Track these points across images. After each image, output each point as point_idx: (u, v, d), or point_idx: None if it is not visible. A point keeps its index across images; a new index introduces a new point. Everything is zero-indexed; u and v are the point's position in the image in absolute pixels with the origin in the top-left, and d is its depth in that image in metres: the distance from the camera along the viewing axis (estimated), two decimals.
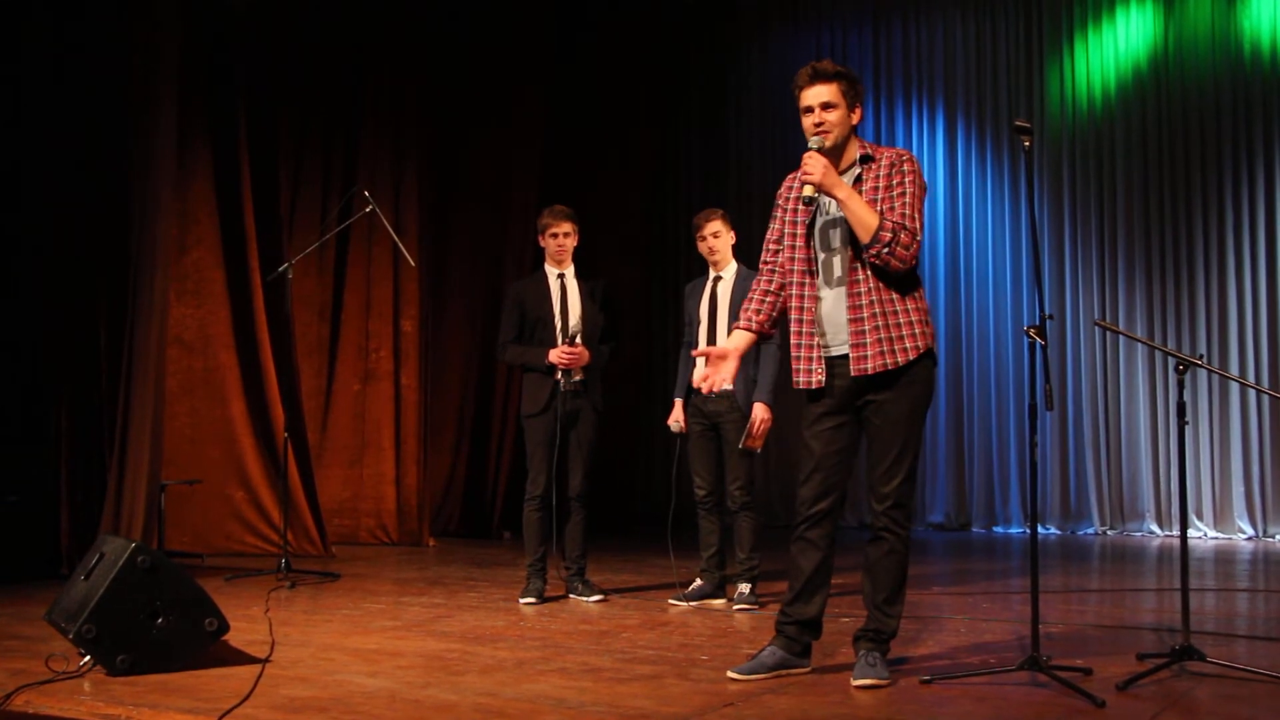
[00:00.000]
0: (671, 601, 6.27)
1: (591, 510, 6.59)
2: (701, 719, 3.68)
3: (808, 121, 4.35)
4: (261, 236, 8.70)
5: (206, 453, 8.54)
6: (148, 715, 3.77)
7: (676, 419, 6.41)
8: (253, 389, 8.64)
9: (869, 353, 4.18)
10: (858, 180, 4.28)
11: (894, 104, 11.72)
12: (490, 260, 10.77)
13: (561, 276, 6.48)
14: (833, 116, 4.29)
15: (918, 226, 4.16)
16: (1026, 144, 4.34)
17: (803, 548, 4.40)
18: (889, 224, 4.11)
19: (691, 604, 6.22)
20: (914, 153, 11.54)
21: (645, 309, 12.27)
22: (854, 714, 3.75)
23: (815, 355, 4.30)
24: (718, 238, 6.32)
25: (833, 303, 4.28)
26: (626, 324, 11.61)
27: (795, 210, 4.44)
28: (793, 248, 4.42)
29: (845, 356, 4.24)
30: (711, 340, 6.21)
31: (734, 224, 6.43)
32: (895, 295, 4.20)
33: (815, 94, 4.32)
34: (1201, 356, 4.84)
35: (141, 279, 7.43)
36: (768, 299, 4.47)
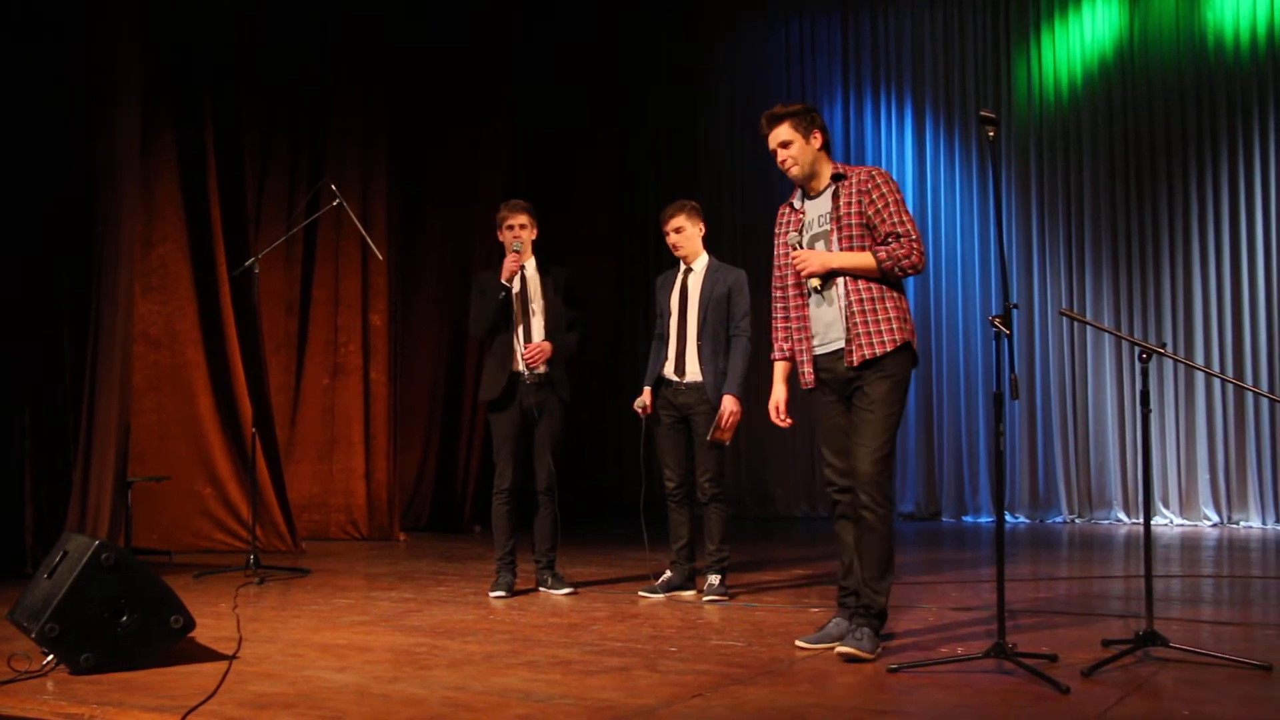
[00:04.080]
0: (641, 593, 6.27)
1: (561, 503, 6.58)
2: (670, 710, 3.68)
3: (778, 161, 4.90)
4: (228, 231, 8.64)
5: (174, 449, 8.48)
6: (112, 714, 3.74)
7: (643, 402, 6.39)
8: (220, 385, 8.58)
9: (853, 346, 4.57)
10: (835, 195, 4.72)
11: (862, 96, 11.75)
12: (459, 254, 10.73)
13: (522, 268, 6.46)
14: (793, 151, 4.81)
15: (909, 228, 4.57)
16: (991, 134, 4.38)
17: (842, 524, 4.79)
18: (881, 253, 4.55)
19: (661, 596, 6.22)
20: (883, 143, 11.67)
21: (615, 302, 12.26)
22: (822, 703, 3.76)
23: (806, 357, 4.75)
24: (680, 233, 6.31)
25: (823, 307, 4.70)
26: (597, 317, 11.65)
27: (784, 238, 4.97)
28: (782, 268, 4.91)
29: (834, 353, 4.65)
30: (682, 332, 6.22)
31: (705, 216, 6.43)
32: (875, 295, 4.59)
33: (774, 137, 4.88)
34: (1165, 345, 4.88)
35: (105, 275, 7.37)
36: (789, 324, 4.89)
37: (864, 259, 4.58)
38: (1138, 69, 10.60)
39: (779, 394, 4.97)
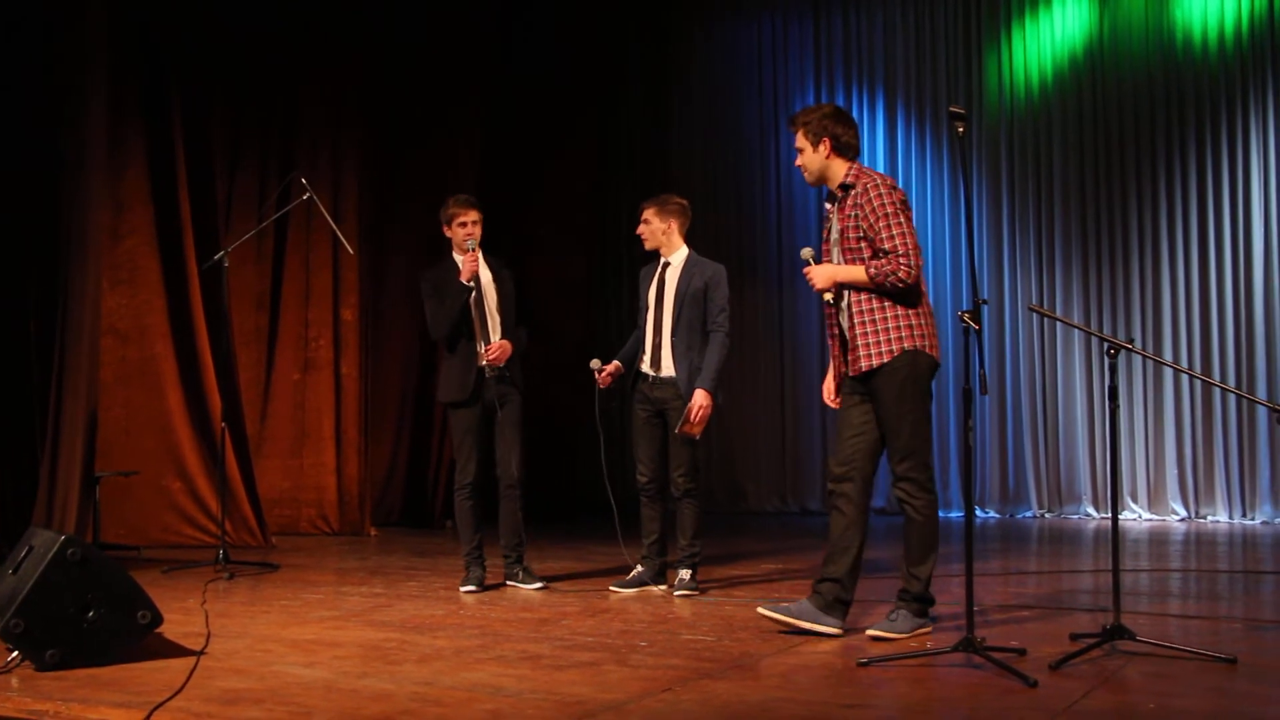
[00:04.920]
0: (612, 589, 6.27)
1: (532, 499, 6.57)
2: (640, 704, 3.68)
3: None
4: (197, 224, 8.59)
5: (143, 444, 8.43)
6: (78, 710, 3.72)
7: (602, 365, 6.34)
8: (189, 379, 8.53)
9: (858, 354, 4.78)
10: (841, 206, 4.87)
11: (834, 93, 11.76)
12: (431, 249, 10.63)
13: None
14: (801, 159, 4.94)
15: (898, 242, 4.66)
16: (961, 130, 4.41)
17: (833, 514, 5.01)
18: (871, 268, 4.70)
19: (633, 591, 6.22)
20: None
21: (589, 297, 12.24)
22: (791, 697, 3.77)
23: (834, 356, 5.00)
24: (646, 224, 6.32)
25: (840, 314, 4.92)
26: (569, 315, 11.67)
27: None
28: None
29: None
30: (658, 326, 6.25)
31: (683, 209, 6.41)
32: (875, 307, 4.76)
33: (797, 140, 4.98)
34: (1133, 341, 4.93)
35: (73, 268, 7.31)
36: None
37: (856, 273, 4.74)
38: (1107, 67, 10.66)
39: (831, 379, 5.13)
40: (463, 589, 6.27)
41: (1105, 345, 4.50)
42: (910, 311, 4.75)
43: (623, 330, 12.47)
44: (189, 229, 8.52)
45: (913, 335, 4.73)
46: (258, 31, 9.47)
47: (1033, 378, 10.79)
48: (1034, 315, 10.73)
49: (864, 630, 4.82)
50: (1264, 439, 9.84)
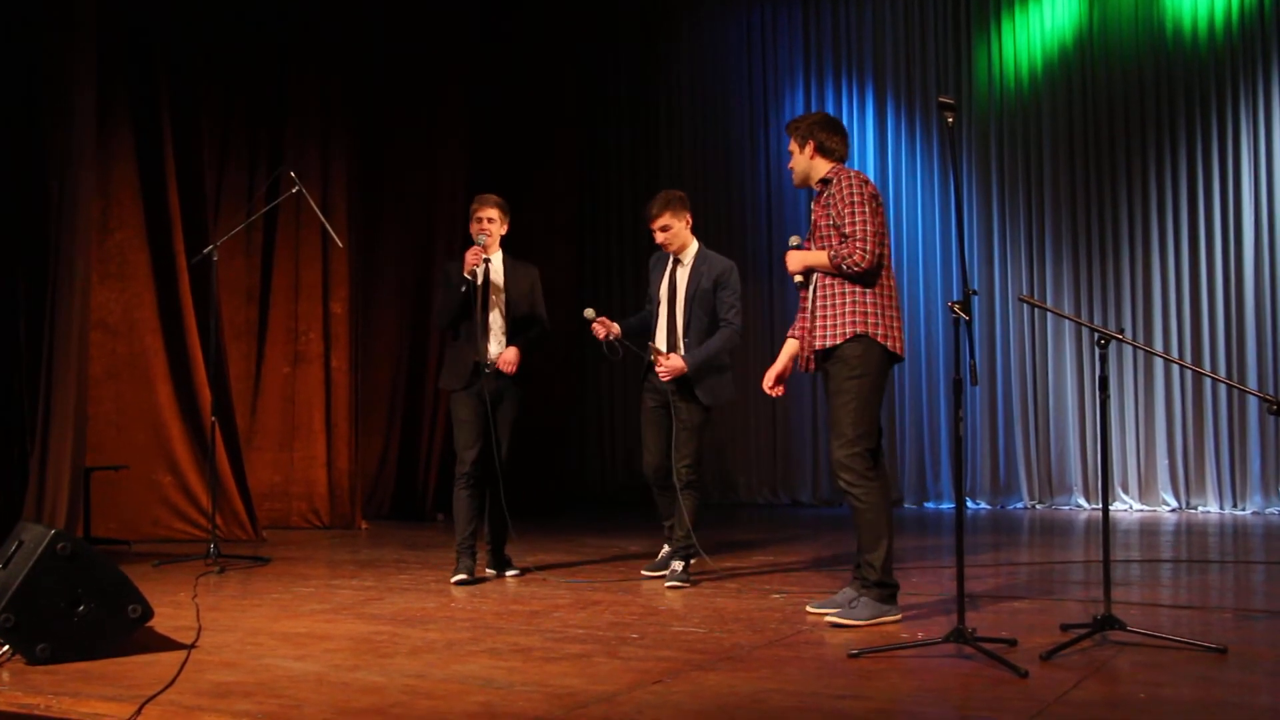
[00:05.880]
0: (644, 573, 6.29)
1: (517, 491, 6.62)
2: (630, 696, 3.68)
3: None
4: (186, 218, 8.57)
5: (133, 438, 8.41)
6: (68, 704, 3.71)
7: (600, 318, 6.34)
8: (179, 373, 8.51)
9: (815, 334, 4.98)
10: (818, 199, 5.09)
11: (824, 83, 11.76)
12: (420, 242, 10.67)
13: (488, 261, 6.48)
14: (791, 162, 5.20)
15: (857, 228, 4.85)
16: (950, 120, 4.41)
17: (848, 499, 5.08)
18: (830, 251, 4.91)
19: (663, 573, 6.26)
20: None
21: (575, 291, 12.22)
22: (781, 688, 3.78)
23: (806, 343, 5.10)
24: (667, 231, 6.31)
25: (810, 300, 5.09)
26: (558, 308, 11.61)
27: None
28: None
29: None
30: (671, 322, 6.29)
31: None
32: (835, 291, 4.93)
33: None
34: (1123, 331, 4.94)
35: (61, 263, 7.29)
36: (803, 312, 5.23)
37: (818, 258, 4.97)
38: (1097, 57, 10.66)
39: (776, 366, 5.32)
40: (453, 580, 6.30)
41: (1096, 336, 4.50)
42: (867, 298, 4.89)
43: (613, 320, 12.47)
44: (178, 223, 8.50)
45: (865, 322, 4.86)
46: (246, 25, 9.45)
47: (1023, 369, 10.81)
48: (1024, 306, 10.75)
49: (824, 617, 4.94)
50: (1254, 430, 9.87)
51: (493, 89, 11.30)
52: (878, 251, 4.86)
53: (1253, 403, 9.84)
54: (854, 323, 4.86)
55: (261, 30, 9.57)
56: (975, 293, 4.65)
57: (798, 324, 5.21)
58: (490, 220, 6.51)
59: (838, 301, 4.91)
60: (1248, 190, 10.05)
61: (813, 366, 5.08)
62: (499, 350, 6.45)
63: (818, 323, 4.96)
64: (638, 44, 12.51)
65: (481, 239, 6.43)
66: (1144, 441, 10.32)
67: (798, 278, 5.08)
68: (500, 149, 11.21)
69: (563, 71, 11.89)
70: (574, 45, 12.01)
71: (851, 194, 4.90)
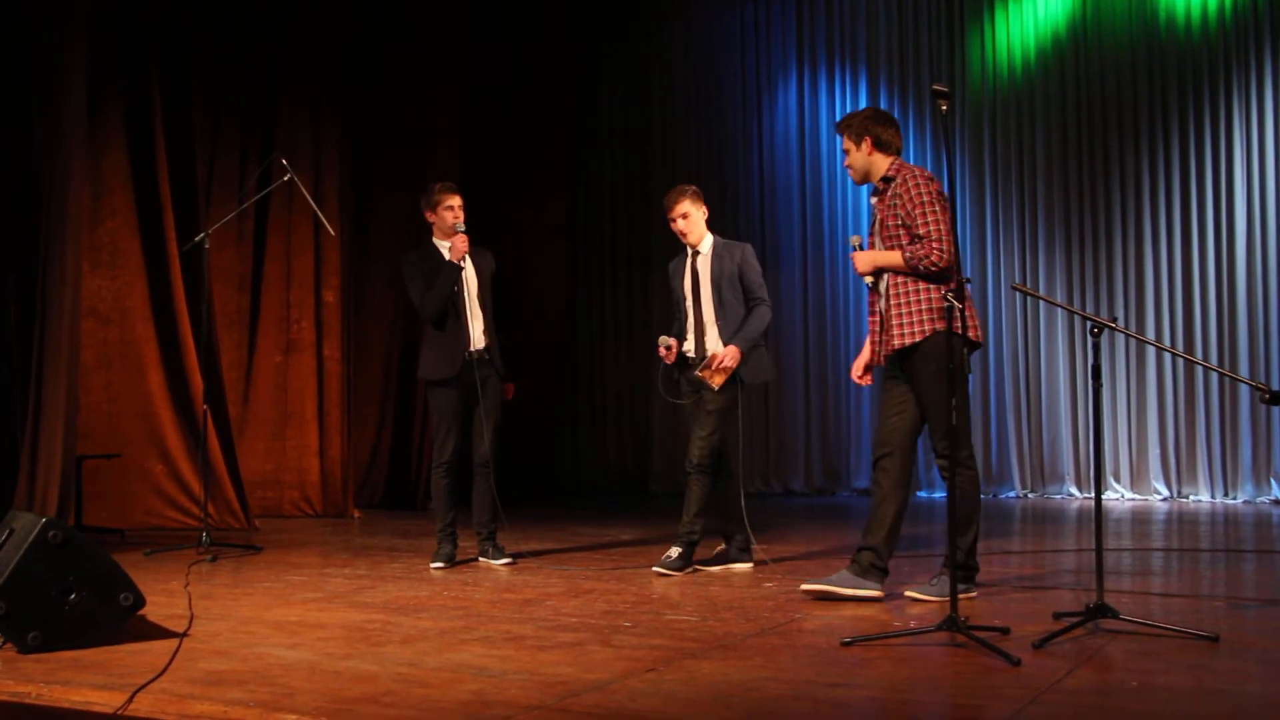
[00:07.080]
0: (698, 567, 6.26)
1: (507, 481, 6.66)
2: (623, 684, 3.68)
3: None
4: (178, 206, 8.55)
5: (125, 426, 8.39)
6: (60, 692, 3.70)
7: (666, 342, 6.29)
8: (171, 361, 8.50)
9: (892, 334, 5.04)
10: (882, 197, 5.14)
11: (817, 73, 11.74)
12: (412, 231, 10.61)
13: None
14: (850, 160, 5.22)
15: (931, 228, 4.92)
16: (944, 108, 4.40)
17: (873, 486, 5.30)
18: (906, 252, 4.97)
19: (716, 569, 6.27)
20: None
21: (568, 288, 12.22)
22: (775, 676, 3.78)
23: (871, 336, 5.24)
24: (686, 219, 6.29)
25: (880, 299, 5.18)
26: (551, 303, 11.68)
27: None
28: None
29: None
30: (699, 317, 6.28)
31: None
32: (910, 290, 5.01)
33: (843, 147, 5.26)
34: (1116, 319, 4.96)
35: (53, 251, 7.27)
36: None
37: (893, 258, 5.02)
38: (1090, 46, 10.66)
39: (863, 357, 5.35)
40: (432, 565, 6.43)
41: (1088, 324, 4.50)
42: (943, 292, 4.87)
43: (605, 316, 12.50)
44: (169, 211, 8.48)
45: (941, 318, 4.88)
46: (238, 13, 9.40)
47: (1016, 357, 10.82)
48: (1017, 294, 10.75)
49: (903, 593, 5.20)
50: (1246, 418, 9.89)
51: (485, 79, 11.28)
52: (953, 250, 4.85)
53: (1244, 391, 9.86)
54: (932, 319, 4.95)
55: (254, 18, 9.53)
56: (969, 281, 4.65)
57: (869, 323, 5.32)
58: (461, 206, 6.58)
59: (911, 301, 4.99)
60: (1240, 179, 10.05)
61: (882, 361, 5.19)
62: (483, 338, 6.50)
63: (893, 321, 5.02)
64: (632, 41, 12.48)
65: (461, 226, 6.46)
66: (1136, 430, 10.33)
67: (868, 279, 5.15)
68: (493, 138, 11.19)
69: (557, 69, 11.87)
70: (568, 40, 11.98)
71: (920, 193, 4.97)
